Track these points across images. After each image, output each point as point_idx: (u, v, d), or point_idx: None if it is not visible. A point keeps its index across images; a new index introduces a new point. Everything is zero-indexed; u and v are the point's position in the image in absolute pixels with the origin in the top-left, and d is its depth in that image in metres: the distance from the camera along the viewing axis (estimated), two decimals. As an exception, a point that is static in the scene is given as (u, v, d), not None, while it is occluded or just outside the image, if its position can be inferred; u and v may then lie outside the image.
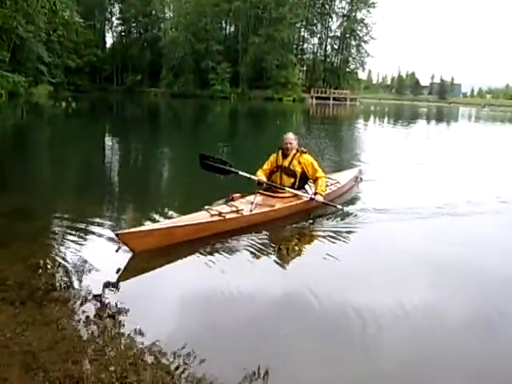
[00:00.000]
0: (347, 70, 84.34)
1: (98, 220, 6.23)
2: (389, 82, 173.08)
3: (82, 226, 5.93)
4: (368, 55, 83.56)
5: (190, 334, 3.54)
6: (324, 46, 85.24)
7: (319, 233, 6.08)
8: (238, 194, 6.28)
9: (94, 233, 5.68)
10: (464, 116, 56.84)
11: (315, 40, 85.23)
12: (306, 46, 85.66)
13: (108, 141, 16.94)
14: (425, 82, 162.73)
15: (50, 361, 3.04)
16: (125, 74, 79.30)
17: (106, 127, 22.81)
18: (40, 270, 4.50)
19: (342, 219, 6.62)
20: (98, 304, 3.82)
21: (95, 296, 3.96)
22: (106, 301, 3.90)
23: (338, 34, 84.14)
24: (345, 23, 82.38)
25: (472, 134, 29.53)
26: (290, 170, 6.90)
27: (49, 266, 4.61)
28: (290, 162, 6.87)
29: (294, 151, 6.93)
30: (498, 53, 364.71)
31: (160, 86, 73.39)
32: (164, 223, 5.21)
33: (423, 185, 9.65)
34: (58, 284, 4.23)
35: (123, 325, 3.61)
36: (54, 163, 11.93)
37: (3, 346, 3.18)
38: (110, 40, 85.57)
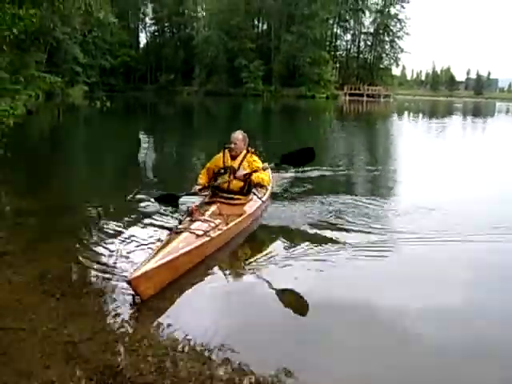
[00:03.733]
0: (381, 66, 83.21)
1: (133, 215, 6.36)
2: (423, 78, 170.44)
3: (119, 221, 6.05)
4: (402, 51, 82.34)
5: (225, 329, 3.59)
6: (357, 43, 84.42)
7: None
8: (194, 206, 5.52)
9: (129, 228, 5.79)
10: (501, 111, 55.60)
11: (348, 36, 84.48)
12: (338, 42, 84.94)
13: (142, 139, 17.14)
14: (460, 77, 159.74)
15: (90, 351, 3.13)
16: (158, 74, 79.96)
17: (140, 125, 23.07)
18: (78, 264, 4.62)
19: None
20: (135, 296, 3.88)
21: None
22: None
23: (372, 30, 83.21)
24: (378, 19, 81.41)
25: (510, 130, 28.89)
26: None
27: (86, 260, 4.71)
28: (240, 164, 6.26)
29: (244, 152, 6.34)
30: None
31: (193, 85, 73.74)
32: (162, 256, 4.17)
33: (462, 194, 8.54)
34: (95, 277, 4.34)
35: (160, 317, 3.68)
36: (90, 161, 12.16)
37: (46, 336, 3.29)
38: (143, 40, 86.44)
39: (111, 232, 5.62)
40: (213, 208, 5.61)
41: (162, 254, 4.17)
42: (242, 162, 6.25)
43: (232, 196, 6.11)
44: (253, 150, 6.43)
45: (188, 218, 5.19)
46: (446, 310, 4.03)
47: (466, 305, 4.20)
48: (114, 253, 4.91)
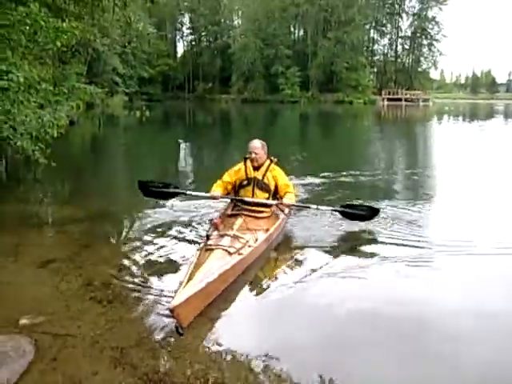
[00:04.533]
0: (419, 69, 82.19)
1: (174, 221, 6.42)
2: (463, 81, 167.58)
3: (160, 228, 6.13)
4: (440, 54, 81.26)
5: (268, 339, 3.60)
6: (394, 47, 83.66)
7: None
8: (218, 219, 5.32)
9: (172, 235, 5.86)
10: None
11: (385, 41, 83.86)
12: (375, 47, 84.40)
13: (181, 147, 17.31)
14: (501, 79, 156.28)
15: (137, 356, 3.17)
16: (196, 82, 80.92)
17: (178, 134, 23.31)
18: (123, 271, 4.69)
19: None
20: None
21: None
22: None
23: (409, 33, 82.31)
24: (415, 22, 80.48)
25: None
26: (264, 184, 5.94)
27: (131, 267, 4.78)
28: (264, 175, 5.93)
29: (268, 162, 6.01)
30: None
31: (230, 93, 74.31)
32: (199, 279, 3.86)
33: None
34: (140, 283, 4.39)
35: (204, 324, 3.69)
36: (132, 169, 12.34)
37: (94, 341, 3.34)
38: (180, 49, 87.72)
39: (153, 239, 5.70)
40: (239, 222, 5.26)
41: (199, 277, 3.87)
42: (266, 172, 5.95)
43: (256, 209, 5.78)
44: (275, 159, 6.10)
45: (216, 233, 4.94)
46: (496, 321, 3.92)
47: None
48: (157, 259, 5.00)
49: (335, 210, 6.17)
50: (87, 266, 4.77)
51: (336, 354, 3.43)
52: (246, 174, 5.96)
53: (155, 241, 5.62)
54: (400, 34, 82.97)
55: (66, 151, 14.42)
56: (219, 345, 3.39)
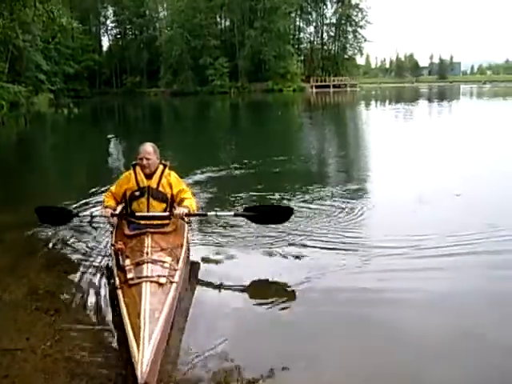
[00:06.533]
0: (345, 56, 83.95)
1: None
2: (388, 66, 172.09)
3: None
4: (365, 40, 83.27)
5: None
6: (320, 34, 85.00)
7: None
8: (119, 242, 4.25)
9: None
10: (465, 94, 56.50)
11: (311, 29, 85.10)
12: (302, 35, 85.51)
13: (110, 144, 17.10)
14: (424, 62, 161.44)
15: (94, 366, 3.11)
16: (124, 76, 79.35)
17: (107, 130, 22.91)
18: (66, 278, 4.61)
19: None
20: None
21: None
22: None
23: (334, 20, 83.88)
24: (340, 9, 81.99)
25: (475, 111, 29.30)
26: (159, 193, 5.05)
27: (73, 274, 4.69)
28: (159, 183, 5.05)
29: (161, 167, 5.12)
30: (496, 28, 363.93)
31: (159, 86, 73.49)
32: (148, 331, 3.11)
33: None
34: (85, 290, 4.31)
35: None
36: (62, 170, 12.03)
37: (45, 354, 3.24)
38: (106, 43, 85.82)
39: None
40: (148, 242, 4.39)
41: (146, 328, 3.13)
42: (160, 180, 5.06)
43: (160, 223, 4.93)
44: (168, 163, 5.22)
45: (128, 261, 4.02)
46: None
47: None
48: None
49: (239, 215, 5.56)
50: (30, 275, 4.63)
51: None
52: (138, 183, 5.05)
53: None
54: (325, 22, 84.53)
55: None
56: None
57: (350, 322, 3.77)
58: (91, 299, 4.13)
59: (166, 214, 5.00)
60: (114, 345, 3.40)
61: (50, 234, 5.99)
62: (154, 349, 2.97)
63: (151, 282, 3.71)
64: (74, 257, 5.16)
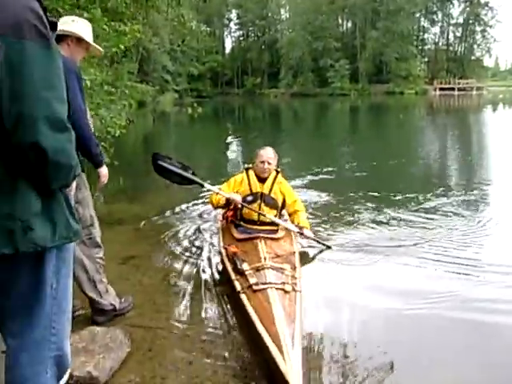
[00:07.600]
0: (472, 57, 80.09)
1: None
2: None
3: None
4: (494, 40, 79.17)
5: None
6: (446, 35, 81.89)
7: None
8: (232, 246, 4.41)
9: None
10: None
11: (436, 29, 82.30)
12: (426, 36, 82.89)
13: (231, 141, 17.70)
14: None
15: (227, 348, 3.31)
16: (245, 77, 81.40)
17: (230, 129, 23.66)
18: (201, 265, 4.87)
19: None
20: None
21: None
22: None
23: (461, 20, 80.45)
24: (468, 8, 78.45)
25: None
26: (272, 200, 5.01)
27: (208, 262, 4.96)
28: (271, 189, 5.00)
29: (274, 173, 5.06)
30: None
31: (279, 87, 74.50)
32: (290, 339, 3.04)
33: None
34: (216, 279, 4.56)
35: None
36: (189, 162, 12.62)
37: (184, 334, 3.52)
38: (229, 45, 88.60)
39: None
40: (261, 247, 4.34)
41: (287, 337, 3.03)
42: (272, 186, 5.01)
43: (270, 228, 4.90)
44: (279, 168, 5.20)
45: (245, 266, 4.00)
46: None
47: None
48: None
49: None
50: (165, 262, 4.99)
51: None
52: (250, 187, 5.01)
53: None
54: (451, 22, 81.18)
55: (125, 149, 14.83)
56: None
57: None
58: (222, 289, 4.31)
59: (295, 228, 5.01)
60: (242, 341, 3.44)
61: (178, 224, 6.40)
62: (297, 356, 2.89)
63: (277, 288, 3.63)
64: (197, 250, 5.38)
